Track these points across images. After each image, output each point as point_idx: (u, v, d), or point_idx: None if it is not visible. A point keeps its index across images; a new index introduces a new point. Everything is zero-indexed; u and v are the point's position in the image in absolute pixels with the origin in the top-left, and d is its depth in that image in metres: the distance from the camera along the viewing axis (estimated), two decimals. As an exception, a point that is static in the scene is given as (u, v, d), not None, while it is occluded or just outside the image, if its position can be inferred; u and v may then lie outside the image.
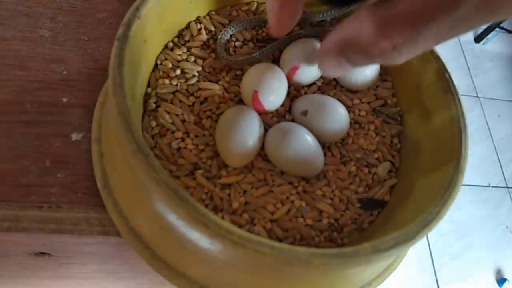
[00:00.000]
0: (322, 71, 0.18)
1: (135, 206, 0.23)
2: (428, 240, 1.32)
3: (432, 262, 1.28)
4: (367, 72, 0.28)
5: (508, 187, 1.50)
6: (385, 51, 0.14)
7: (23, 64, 0.29)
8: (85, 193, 0.25)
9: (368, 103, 0.29)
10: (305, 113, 0.26)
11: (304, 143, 0.25)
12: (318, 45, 0.27)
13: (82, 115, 0.28)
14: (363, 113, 0.28)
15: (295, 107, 0.27)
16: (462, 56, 1.71)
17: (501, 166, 1.53)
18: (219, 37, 0.28)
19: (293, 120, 0.27)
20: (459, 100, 0.25)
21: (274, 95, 0.26)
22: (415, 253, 1.27)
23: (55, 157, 0.26)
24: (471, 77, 1.68)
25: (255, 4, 0.31)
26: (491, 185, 1.49)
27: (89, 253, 0.29)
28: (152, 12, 0.24)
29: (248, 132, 0.24)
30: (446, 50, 1.61)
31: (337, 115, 0.26)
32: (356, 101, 0.29)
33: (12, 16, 0.30)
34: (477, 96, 1.65)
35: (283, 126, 0.26)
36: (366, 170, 0.27)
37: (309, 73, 0.28)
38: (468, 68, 1.69)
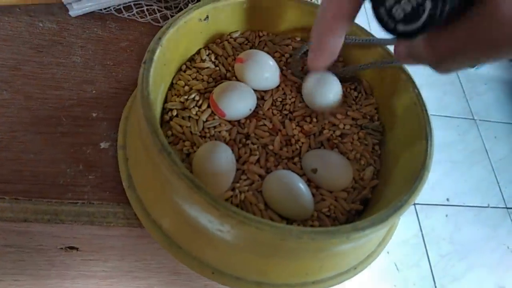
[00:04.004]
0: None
1: (156, 200, 0.28)
2: (429, 261, 1.34)
3: (434, 283, 1.29)
4: (331, 97, 0.32)
5: (508, 208, 1.52)
6: (437, 66, 0.20)
7: (59, 85, 0.34)
8: (112, 192, 0.30)
9: (355, 119, 0.34)
10: (314, 170, 0.30)
11: (298, 190, 0.28)
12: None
13: (108, 127, 0.33)
14: (347, 126, 0.33)
15: (304, 162, 0.31)
16: (457, 80, 1.77)
17: (499, 187, 1.56)
18: (294, 54, 0.34)
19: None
20: (425, 110, 0.29)
21: (230, 100, 0.30)
22: (417, 274, 1.29)
23: (87, 162, 0.31)
24: (467, 100, 1.73)
25: (249, 33, 0.36)
26: (490, 205, 1.51)
27: (111, 248, 0.33)
28: (171, 42, 0.29)
29: (222, 165, 0.27)
30: (441, 75, 1.67)
31: (343, 172, 0.30)
32: (341, 116, 0.34)
33: (49, 45, 0.36)
34: (473, 119, 1.69)
35: (280, 174, 0.29)
36: (357, 174, 0.31)
37: (267, 81, 0.33)
38: (464, 92, 1.75)
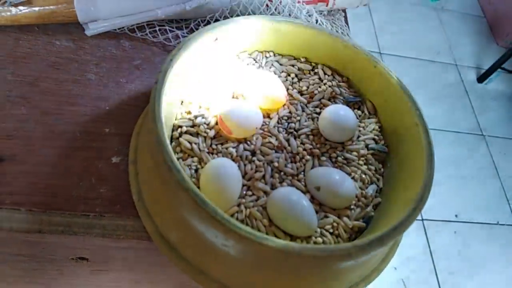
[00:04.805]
0: None
1: (164, 214, 0.29)
2: (437, 278, 1.33)
3: (443, 301, 1.28)
4: (350, 128, 0.34)
5: (518, 225, 1.50)
6: None
7: (74, 101, 0.35)
8: (123, 205, 0.31)
9: (363, 140, 0.34)
10: (318, 188, 0.31)
11: (301, 207, 0.29)
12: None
13: (120, 142, 0.34)
14: (354, 153, 0.34)
15: (308, 179, 0.31)
16: (466, 96, 1.76)
17: (509, 204, 1.54)
18: None
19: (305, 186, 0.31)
20: (426, 131, 0.30)
21: (237, 119, 0.31)
22: (426, 292, 1.27)
23: (99, 175, 0.32)
24: (475, 116, 1.72)
25: (256, 54, 0.37)
26: (499, 222, 1.50)
27: (120, 259, 0.34)
28: (181, 62, 0.31)
29: (228, 181, 0.28)
30: (450, 91, 1.66)
31: (346, 190, 0.30)
32: (349, 142, 0.34)
33: (66, 63, 0.37)
34: (483, 135, 1.69)
35: (284, 191, 0.30)
36: (359, 192, 0.32)
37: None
38: (472, 107, 1.74)
